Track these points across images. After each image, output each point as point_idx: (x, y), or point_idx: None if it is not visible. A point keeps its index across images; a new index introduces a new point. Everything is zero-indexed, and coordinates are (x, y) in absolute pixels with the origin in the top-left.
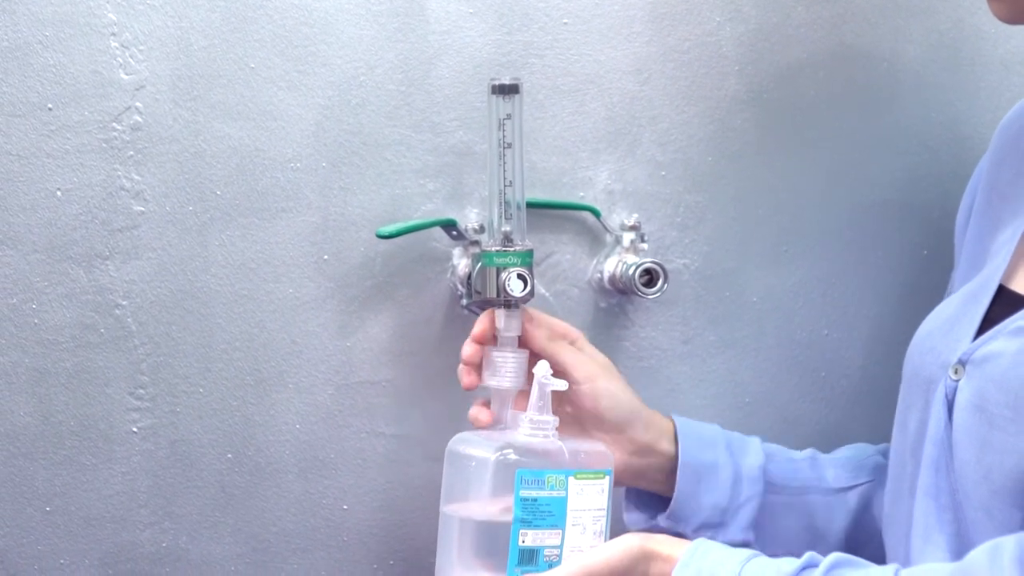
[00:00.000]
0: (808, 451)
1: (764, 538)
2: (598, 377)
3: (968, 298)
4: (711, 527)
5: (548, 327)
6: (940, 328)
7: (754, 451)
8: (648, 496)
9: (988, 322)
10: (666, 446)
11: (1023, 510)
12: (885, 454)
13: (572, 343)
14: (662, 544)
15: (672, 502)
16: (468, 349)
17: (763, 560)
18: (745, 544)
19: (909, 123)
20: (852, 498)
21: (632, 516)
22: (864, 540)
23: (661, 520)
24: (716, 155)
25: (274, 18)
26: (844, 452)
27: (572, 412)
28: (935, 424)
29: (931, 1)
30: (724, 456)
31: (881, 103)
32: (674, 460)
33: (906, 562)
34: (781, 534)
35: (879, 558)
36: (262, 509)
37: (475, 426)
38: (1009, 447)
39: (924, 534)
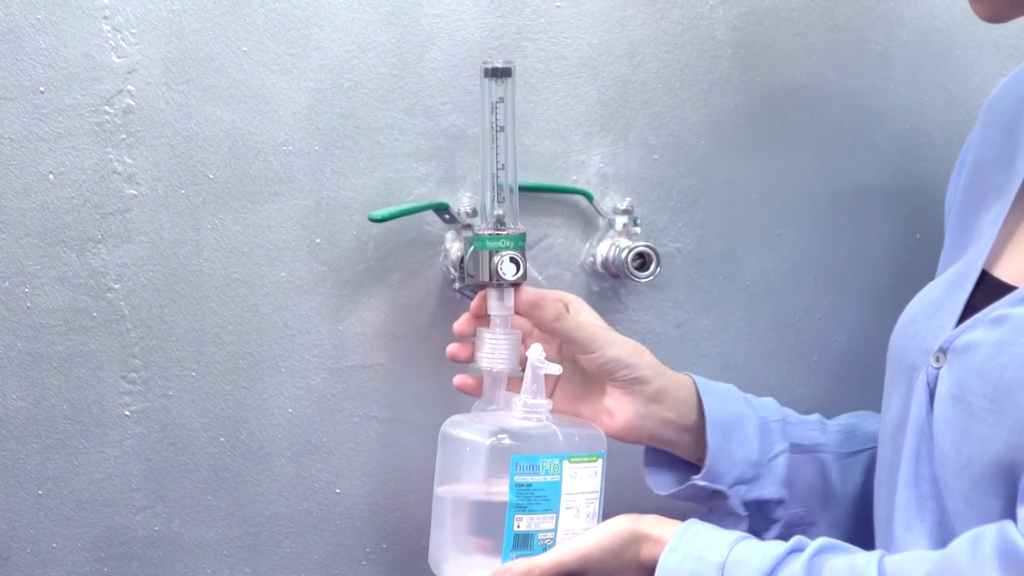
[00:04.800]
0: (815, 416)
1: (789, 497)
2: (603, 346)
3: (951, 283)
4: (745, 481)
5: (551, 303)
6: (923, 313)
7: (772, 406)
8: (667, 455)
9: (971, 309)
10: (687, 396)
11: (1003, 500)
12: None
13: (567, 306)
14: (652, 525)
15: (707, 459)
16: (461, 323)
17: (751, 543)
18: (780, 501)
19: (902, 107)
20: (860, 463)
21: (660, 478)
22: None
23: (697, 480)
24: (709, 139)
25: (266, 1)
26: (848, 419)
27: (583, 372)
28: (916, 412)
29: None
30: (746, 409)
31: (874, 87)
32: (694, 411)
33: (888, 547)
34: (801, 492)
35: None
36: (255, 493)
37: (462, 391)
38: (988, 438)
39: (906, 523)
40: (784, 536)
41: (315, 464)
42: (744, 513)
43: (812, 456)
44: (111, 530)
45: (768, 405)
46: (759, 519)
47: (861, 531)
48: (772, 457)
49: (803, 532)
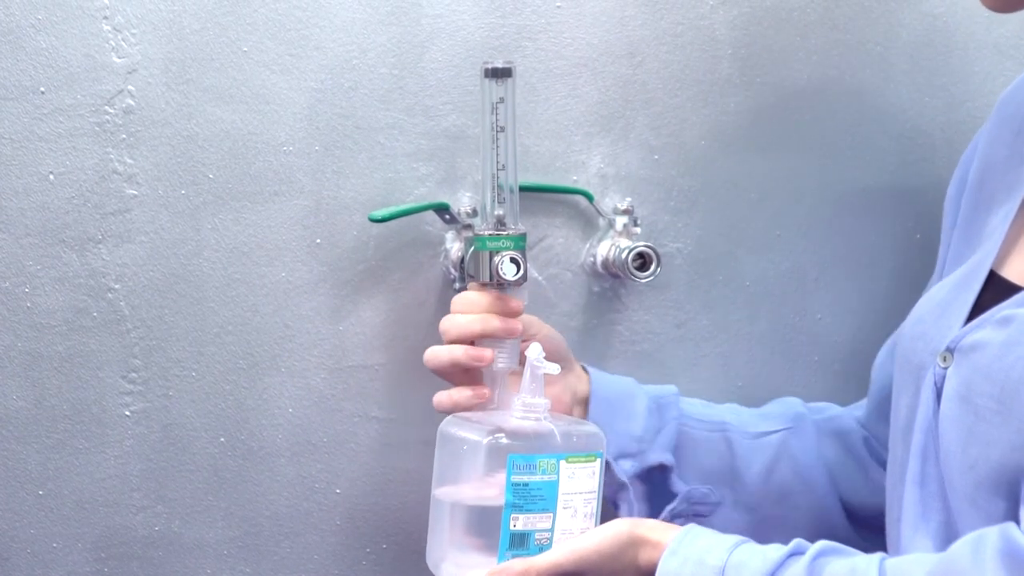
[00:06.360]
0: (730, 404)
1: (686, 470)
2: (542, 325)
3: (959, 283)
4: (630, 455)
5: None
6: (931, 313)
7: (668, 387)
8: None
9: (979, 309)
10: (584, 375)
11: (1008, 501)
12: (815, 411)
13: None
14: (652, 530)
15: None
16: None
17: (751, 547)
18: (667, 468)
19: (902, 107)
20: (769, 444)
21: None
22: (785, 489)
23: None
24: (709, 139)
25: (267, 1)
26: (768, 406)
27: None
28: (923, 412)
29: None
30: (636, 389)
31: (874, 87)
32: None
33: (897, 548)
34: (703, 469)
35: (804, 509)
36: (255, 493)
37: (439, 409)
38: (994, 439)
39: (913, 522)
40: (686, 512)
41: (315, 464)
42: (627, 483)
43: (717, 435)
44: (111, 530)
45: (665, 388)
46: (656, 491)
47: (772, 513)
48: (659, 429)
49: (709, 511)
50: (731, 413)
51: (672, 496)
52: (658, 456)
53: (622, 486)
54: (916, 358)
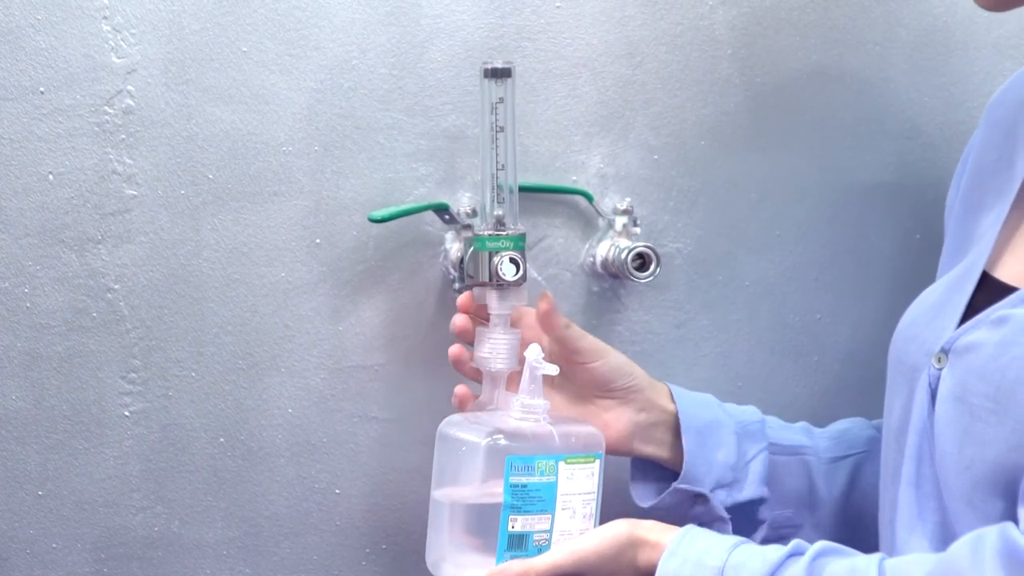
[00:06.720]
0: (801, 423)
1: (771, 497)
2: (606, 353)
3: (952, 285)
4: (725, 485)
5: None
6: (924, 315)
7: (750, 410)
8: (652, 467)
9: (972, 310)
10: (667, 403)
11: (1005, 501)
12: (880, 428)
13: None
14: (650, 531)
15: (685, 463)
16: (461, 321)
17: (750, 547)
18: (762, 500)
19: (902, 107)
20: (845, 468)
21: (644, 489)
22: (859, 512)
23: (678, 484)
24: (709, 139)
25: (266, 1)
26: (838, 425)
27: (580, 385)
28: (918, 413)
29: None
30: (722, 414)
31: (874, 87)
32: (675, 417)
33: (891, 549)
34: (786, 494)
35: (874, 531)
36: (254, 493)
37: (458, 407)
38: (990, 439)
39: (908, 524)
40: (770, 538)
41: (315, 464)
42: (727, 516)
43: (797, 459)
44: (111, 530)
45: (748, 411)
46: (744, 521)
47: (846, 535)
48: (751, 459)
49: (789, 535)
50: (806, 435)
51: (756, 522)
52: (755, 490)
53: (719, 519)
54: (910, 359)
